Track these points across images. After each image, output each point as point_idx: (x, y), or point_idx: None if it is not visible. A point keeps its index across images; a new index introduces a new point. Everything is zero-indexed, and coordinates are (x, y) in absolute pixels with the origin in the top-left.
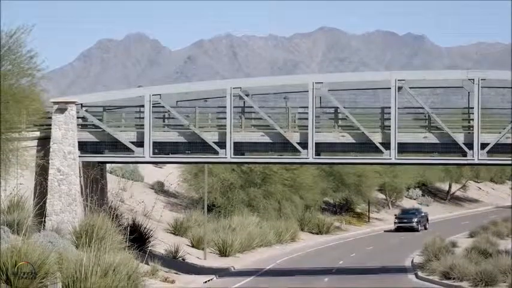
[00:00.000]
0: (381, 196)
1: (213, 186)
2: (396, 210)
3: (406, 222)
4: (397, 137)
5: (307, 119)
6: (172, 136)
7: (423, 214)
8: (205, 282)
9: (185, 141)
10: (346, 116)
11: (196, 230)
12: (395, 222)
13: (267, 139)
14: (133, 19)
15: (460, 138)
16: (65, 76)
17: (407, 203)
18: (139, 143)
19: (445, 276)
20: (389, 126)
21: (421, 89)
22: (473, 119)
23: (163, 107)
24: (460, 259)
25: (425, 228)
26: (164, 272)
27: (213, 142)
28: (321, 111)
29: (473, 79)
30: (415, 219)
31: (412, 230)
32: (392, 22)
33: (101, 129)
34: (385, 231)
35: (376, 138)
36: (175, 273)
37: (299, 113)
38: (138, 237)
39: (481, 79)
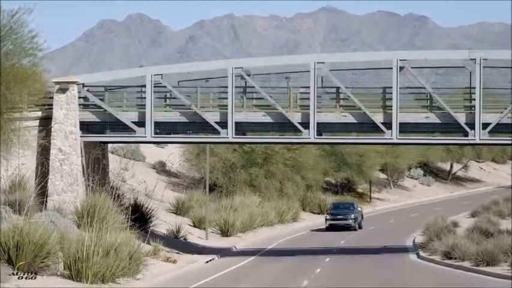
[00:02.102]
0: (383, 176)
1: (215, 166)
2: (398, 190)
3: (341, 219)
4: (399, 117)
5: (308, 99)
6: (174, 116)
7: (359, 209)
8: (207, 262)
9: (187, 121)
10: (348, 96)
11: (198, 209)
12: (326, 219)
13: (268, 119)
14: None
15: (461, 118)
16: (67, 56)
17: (409, 183)
18: (141, 123)
19: (447, 256)
20: (391, 106)
21: (422, 69)
22: (474, 99)
23: (164, 87)
24: (462, 239)
25: (360, 227)
26: (166, 252)
27: (215, 122)
28: (323, 91)
29: (474, 59)
30: (352, 216)
31: (348, 228)
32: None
33: (102, 109)
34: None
35: (378, 118)
36: (177, 253)
37: (301, 93)
38: (139, 217)
39: (483, 59)
